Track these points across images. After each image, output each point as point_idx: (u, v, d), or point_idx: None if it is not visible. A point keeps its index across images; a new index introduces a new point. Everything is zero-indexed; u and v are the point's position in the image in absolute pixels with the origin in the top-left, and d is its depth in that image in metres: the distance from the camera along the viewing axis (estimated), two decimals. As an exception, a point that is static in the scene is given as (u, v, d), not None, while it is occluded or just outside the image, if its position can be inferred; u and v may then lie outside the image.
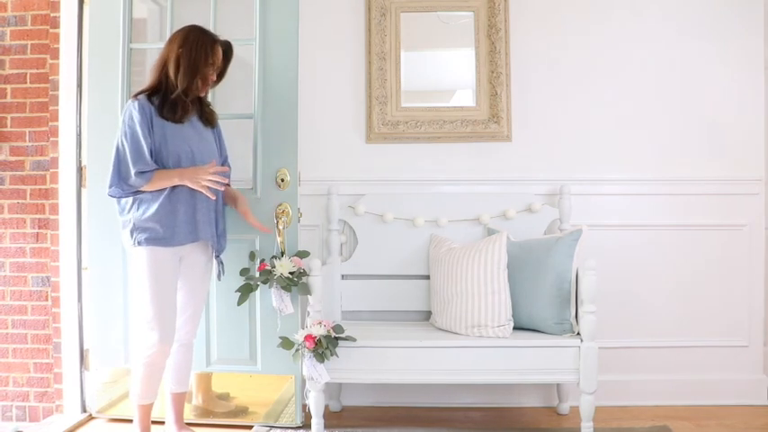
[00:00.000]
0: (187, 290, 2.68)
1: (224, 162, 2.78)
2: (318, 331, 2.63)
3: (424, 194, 3.20)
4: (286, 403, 2.98)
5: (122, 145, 2.50)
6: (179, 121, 2.55)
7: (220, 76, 2.70)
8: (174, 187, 2.52)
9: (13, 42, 3.15)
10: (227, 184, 2.69)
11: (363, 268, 3.17)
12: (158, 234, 2.50)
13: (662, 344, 3.21)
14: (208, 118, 2.69)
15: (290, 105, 2.92)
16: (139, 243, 2.51)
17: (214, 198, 2.60)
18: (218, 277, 2.74)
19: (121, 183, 2.49)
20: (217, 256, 2.71)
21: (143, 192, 2.51)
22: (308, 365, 2.64)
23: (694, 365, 3.21)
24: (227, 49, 2.68)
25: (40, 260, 3.16)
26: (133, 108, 2.50)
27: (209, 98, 2.79)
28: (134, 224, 2.53)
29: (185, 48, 2.55)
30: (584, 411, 2.64)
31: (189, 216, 2.55)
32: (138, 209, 2.53)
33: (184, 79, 2.53)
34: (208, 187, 2.53)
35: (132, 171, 2.47)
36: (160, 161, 2.53)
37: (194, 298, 2.70)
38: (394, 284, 3.17)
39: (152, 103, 2.54)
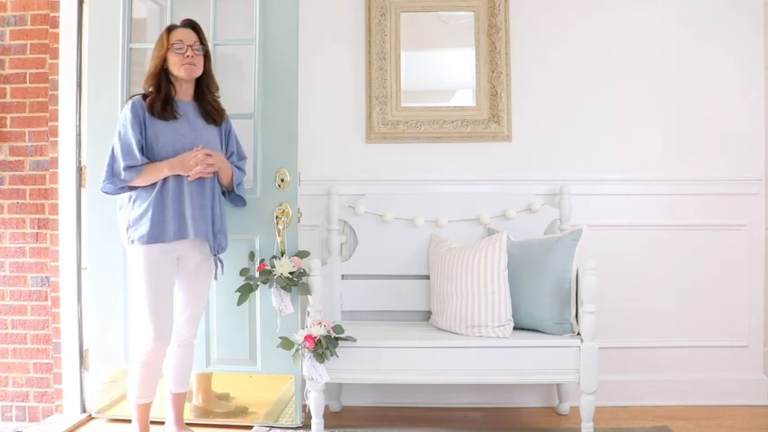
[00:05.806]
0: (186, 290, 2.68)
1: (229, 157, 2.76)
2: (318, 331, 2.63)
3: (424, 194, 3.20)
4: (286, 403, 2.98)
5: (116, 143, 2.57)
6: (167, 118, 2.57)
7: (206, 53, 2.66)
8: (165, 184, 2.54)
9: (12, 42, 3.15)
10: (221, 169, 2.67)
11: (363, 268, 3.17)
12: (150, 231, 2.51)
13: (662, 344, 3.21)
14: (210, 114, 2.69)
15: (290, 105, 2.92)
16: (133, 241, 2.54)
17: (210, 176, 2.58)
18: (215, 276, 2.74)
19: (113, 178, 2.55)
20: (215, 255, 2.70)
21: (136, 187, 2.55)
22: (308, 365, 2.64)
23: (694, 365, 3.21)
24: (189, 24, 2.66)
25: (39, 260, 3.16)
26: (127, 108, 2.59)
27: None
28: (129, 222, 2.57)
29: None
30: (585, 411, 2.64)
31: (178, 212, 2.55)
32: (132, 206, 2.57)
33: (153, 73, 2.60)
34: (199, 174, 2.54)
35: (122, 166, 2.52)
36: (153, 158, 2.56)
37: (194, 298, 2.70)
38: (394, 284, 3.16)
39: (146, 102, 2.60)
